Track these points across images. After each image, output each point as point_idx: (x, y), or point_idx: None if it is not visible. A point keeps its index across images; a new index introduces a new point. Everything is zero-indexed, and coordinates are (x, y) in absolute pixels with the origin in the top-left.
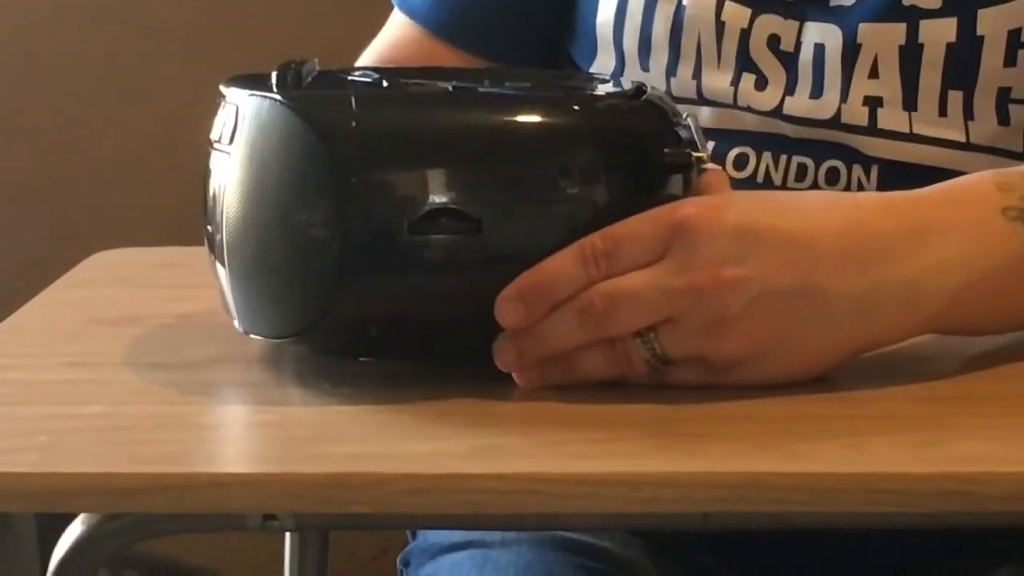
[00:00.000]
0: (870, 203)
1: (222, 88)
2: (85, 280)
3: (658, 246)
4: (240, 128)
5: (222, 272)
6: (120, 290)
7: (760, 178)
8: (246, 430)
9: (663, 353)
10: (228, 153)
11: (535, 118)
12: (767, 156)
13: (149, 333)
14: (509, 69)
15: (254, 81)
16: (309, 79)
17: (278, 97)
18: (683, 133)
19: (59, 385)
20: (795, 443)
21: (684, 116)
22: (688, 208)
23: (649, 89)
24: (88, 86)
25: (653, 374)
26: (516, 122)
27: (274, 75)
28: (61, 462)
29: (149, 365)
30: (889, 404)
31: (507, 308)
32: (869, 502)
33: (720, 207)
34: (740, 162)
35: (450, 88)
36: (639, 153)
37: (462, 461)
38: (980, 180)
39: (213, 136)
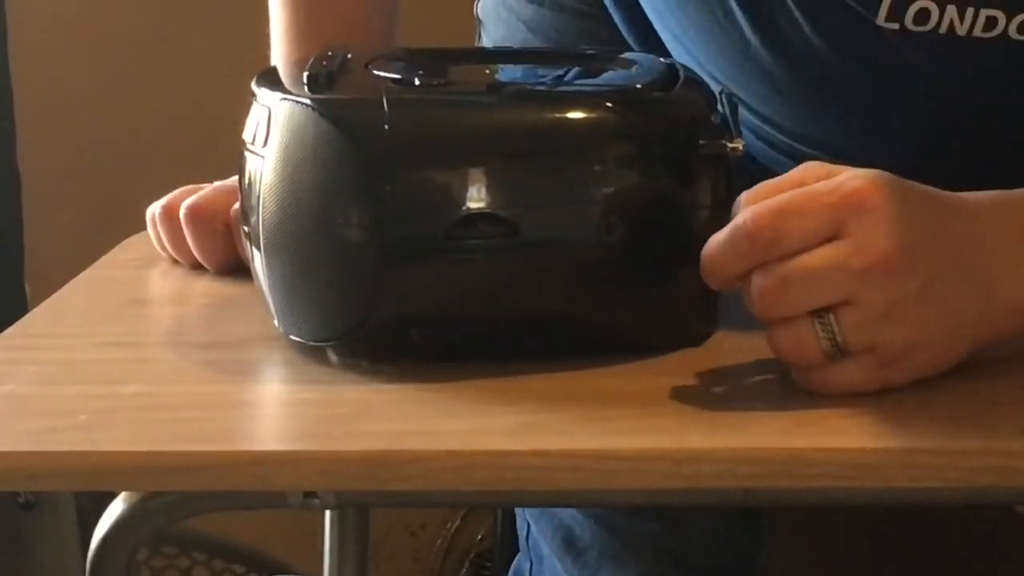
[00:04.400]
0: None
1: (254, 87)
2: (125, 260)
3: (831, 223)
4: (273, 132)
5: (261, 275)
6: (159, 270)
7: (943, 29)
8: (286, 408)
9: (843, 342)
10: (262, 156)
11: (568, 118)
12: (951, 9)
13: (188, 312)
14: (543, 50)
15: (287, 78)
16: (342, 74)
17: (309, 102)
18: (717, 121)
19: (99, 365)
20: (836, 419)
21: (719, 92)
22: (856, 182)
23: (681, 72)
24: (132, 64)
25: (825, 365)
26: (549, 122)
27: (305, 75)
28: (102, 441)
29: (189, 344)
30: (930, 379)
31: None
32: (911, 477)
33: (881, 180)
34: (920, 19)
35: (483, 87)
36: (674, 148)
37: (502, 438)
38: None
39: (246, 137)
